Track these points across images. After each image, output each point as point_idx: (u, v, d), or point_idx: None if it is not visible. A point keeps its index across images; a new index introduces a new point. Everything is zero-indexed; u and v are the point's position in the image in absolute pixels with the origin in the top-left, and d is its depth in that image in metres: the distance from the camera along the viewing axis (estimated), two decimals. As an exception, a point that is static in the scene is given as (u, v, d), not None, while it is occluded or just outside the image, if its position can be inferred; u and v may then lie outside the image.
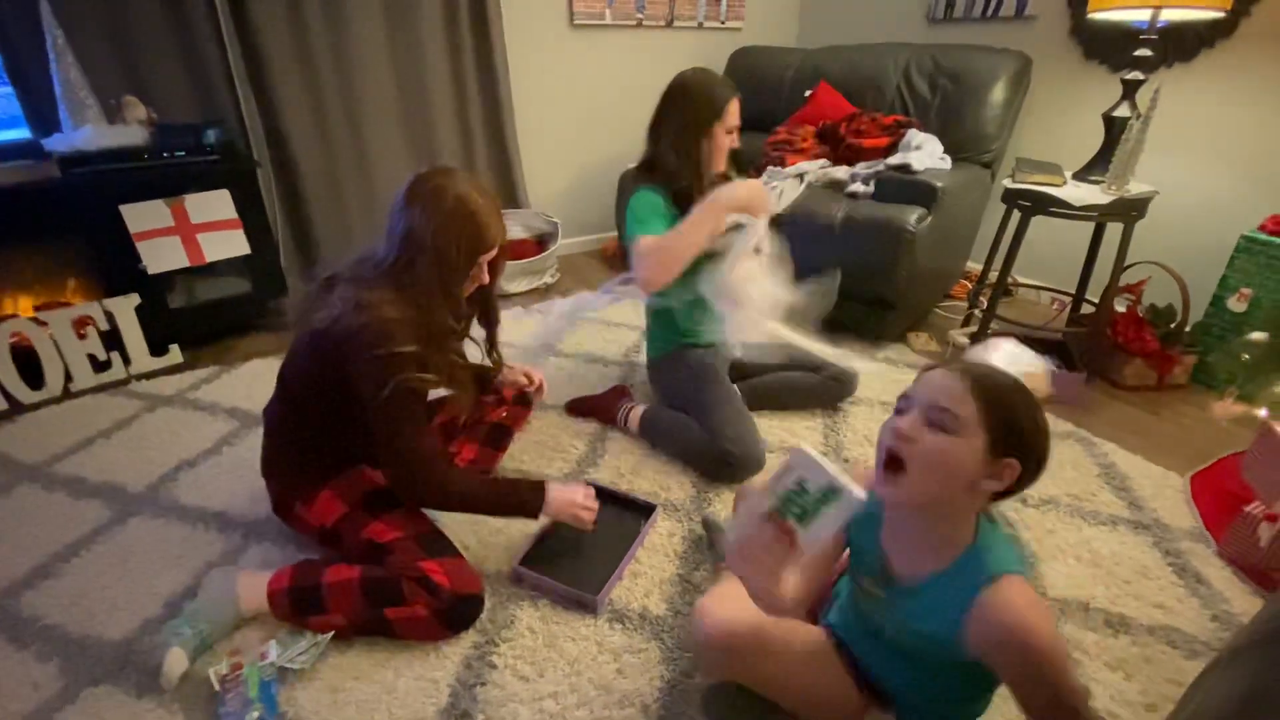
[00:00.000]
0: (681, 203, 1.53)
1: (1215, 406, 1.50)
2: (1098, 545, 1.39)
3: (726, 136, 1.52)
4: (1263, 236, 1.86)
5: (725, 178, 1.60)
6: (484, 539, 1.39)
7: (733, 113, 1.50)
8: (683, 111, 1.51)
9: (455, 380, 1.24)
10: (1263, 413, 1.40)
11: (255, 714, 1.02)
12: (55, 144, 1.97)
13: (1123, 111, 1.86)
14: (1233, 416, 1.46)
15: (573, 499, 1.26)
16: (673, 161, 1.53)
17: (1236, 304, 1.92)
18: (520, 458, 1.68)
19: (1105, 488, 1.58)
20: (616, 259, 3.15)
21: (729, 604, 0.88)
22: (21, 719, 1.05)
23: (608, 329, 2.42)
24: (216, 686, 1.06)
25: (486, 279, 1.23)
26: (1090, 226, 2.05)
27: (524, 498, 1.24)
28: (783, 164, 2.43)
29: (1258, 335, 1.47)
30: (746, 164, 2.57)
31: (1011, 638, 0.69)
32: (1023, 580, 0.74)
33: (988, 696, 0.88)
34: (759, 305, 1.40)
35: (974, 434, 0.72)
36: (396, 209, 1.13)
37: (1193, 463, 1.66)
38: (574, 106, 3.06)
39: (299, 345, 1.22)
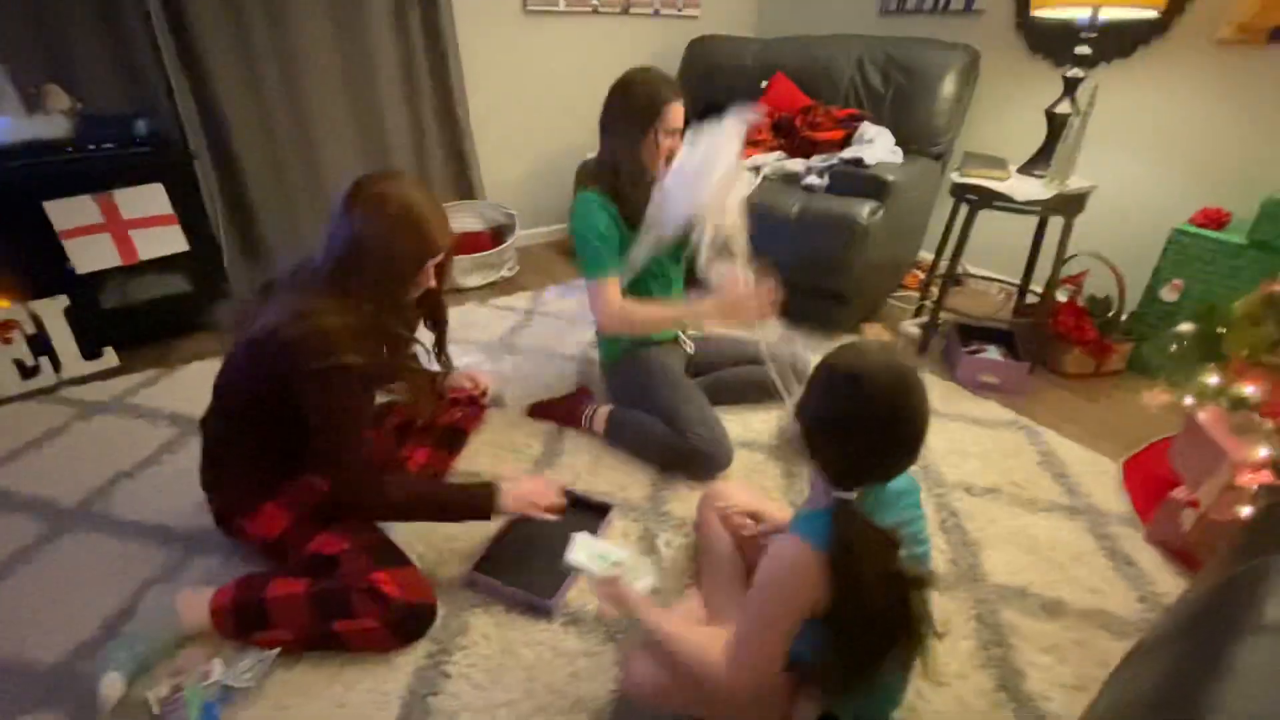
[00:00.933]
0: (626, 207, 1.54)
1: (1145, 395, 1.57)
2: (1035, 532, 1.45)
3: (667, 139, 1.50)
4: (1193, 229, 1.95)
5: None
6: (436, 545, 1.37)
7: (673, 116, 1.49)
8: (623, 112, 1.50)
9: (412, 386, 1.22)
10: (1188, 401, 1.46)
11: (197, 737, 0.99)
12: (-32, 136, 1.84)
13: (1064, 108, 1.91)
14: (1163, 405, 1.53)
15: (530, 493, 1.24)
16: (616, 161, 1.53)
17: (1169, 294, 2.01)
18: (475, 459, 1.66)
19: (1045, 475, 1.64)
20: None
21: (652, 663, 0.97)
22: (-56, 753, 1.00)
23: (566, 325, 2.40)
24: (155, 710, 1.03)
25: (433, 283, 1.20)
26: (1034, 219, 2.11)
27: (473, 500, 1.22)
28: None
29: (1186, 326, 1.53)
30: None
31: (766, 563, 0.84)
32: (797, 540, 0.82)
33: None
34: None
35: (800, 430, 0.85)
36: (336, 214, 1.10)
37: (1127, 448, 1.74)
38: (529, 94, 3.00)
39: (236, 355, 1.18)
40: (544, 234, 3.31)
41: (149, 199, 2.04)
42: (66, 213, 1.91)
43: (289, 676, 1.10)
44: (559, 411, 1.82)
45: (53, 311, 1.93)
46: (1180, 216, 2.02)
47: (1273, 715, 0.53)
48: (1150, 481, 1.58)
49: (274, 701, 1.07)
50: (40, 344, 1.93)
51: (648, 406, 1.67)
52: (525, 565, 1.31)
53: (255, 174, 2.42)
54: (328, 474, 1.15)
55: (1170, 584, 1.31)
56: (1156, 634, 0.83)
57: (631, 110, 1.49)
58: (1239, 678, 0.57)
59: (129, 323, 2.16)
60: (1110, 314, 2.09)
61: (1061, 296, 2.18)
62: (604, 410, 1.74)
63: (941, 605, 1.26)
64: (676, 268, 1.77)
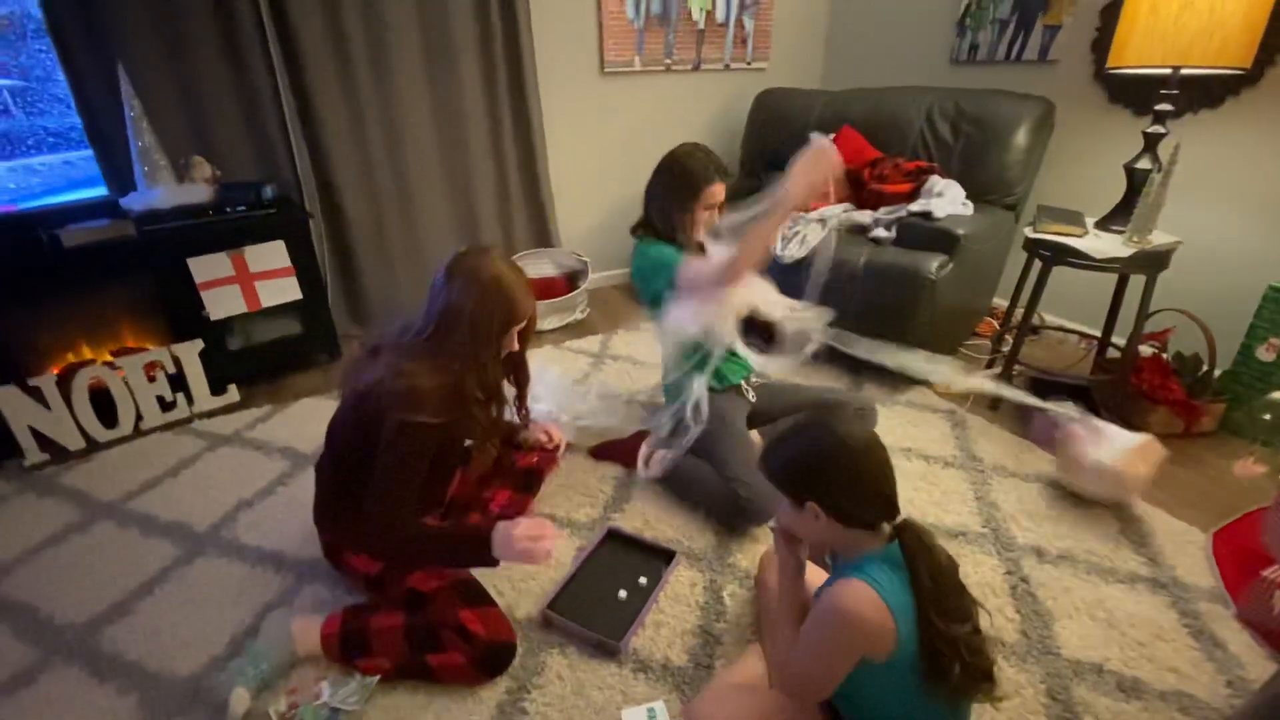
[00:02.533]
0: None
1: (1236, 467, 1.51)
2: (1113, 604, 1.41)
3: (705, 213, 1.62)
4: (1291, 287, 1.86)
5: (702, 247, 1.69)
6: (516, 584, 1.47)
7: (713, 194, 1.59)
8: (667, 186, 1.63)
9: (482, 441, 1.36)
10: (1282, 475, 1.40)
11: (311, 752, 1.12)
12: (132, 203, 2.16)
13: (1144, 164, 1.88)
14: (1254, 477, 1.46)
15: (511, 538, 1.17)
16: (660, 227, 1.66)
17: (1265, 354, 1.92)
18: (550, 501, 1.77)
19: (1125, 543, 1.59)
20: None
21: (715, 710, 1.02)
22: (107, 749, 1.17)
23: (633, 367, 2.51)
24: (276, 724, 1.17)
25: (516, 346, 1.33)
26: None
27: (470, 545, 1.21)
28: (806, 209, 2.49)
29: (1278, 395, 1.47)
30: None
31: (829, 602, 0.89)
32: (859, 582, 0.88)
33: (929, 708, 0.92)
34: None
35: (782, 499, 0.98)
36: (437, 285, 1.25)
37: (1217, 516, 1.66)
38: (604, 149, 3.18)
39: (345, 404, 1.34)
40: (613, 276, 3.46)
41: (272, 254, 2.31)
42: (205, 267, 2.19)
43: (387, 703, 1.22)
44: (621, 452, 1.91)
45: (189, 353, 2.20)
46: (1277, 273, 1.93)
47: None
48: (1242, 555, 1.51)
49: (374, 724, 1.19)
50: (177, 381, 2.20)
51: (704, 453, 1.74)
52: (596, 605, 1.39)
53: (359, 228, 2.69)
54: (372, 506, 1.22)
55: (1261, 669, 1.25)
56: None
57: (675, 186, 1.61)
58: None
59: (249, 362, 2.42)
60: (1200, 373, 2.00)
61: (1145, 352, 2.11)
62: (660, 454, 1.82)
63: (1011, 676, 1.25)
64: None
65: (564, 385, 2.20)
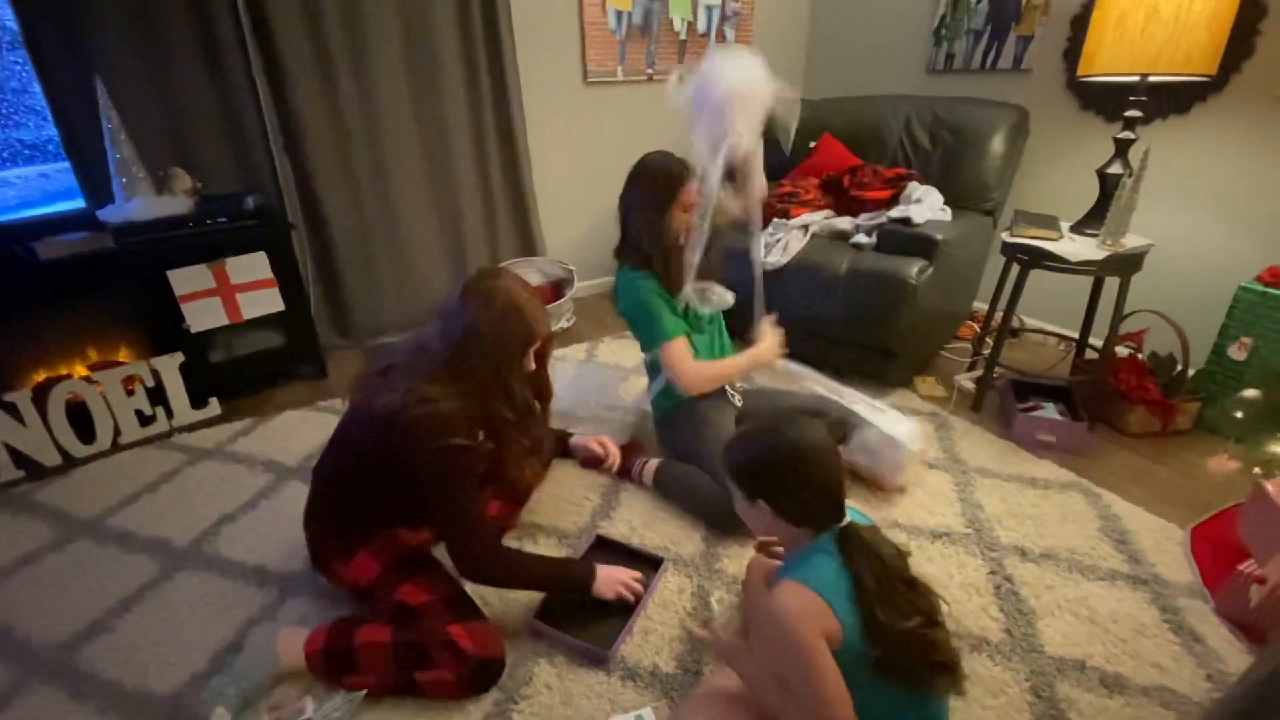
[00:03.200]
0: (664, 279, 1.68)
1: (1211, 463, 1.54)
2: (1095, 602, 1.43)
3: (684, 214, 1.64)
4: (1260, 287, 1.90)
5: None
6: (504, 596, 1.46)
7: (689, 192, 1.61)
8: (642, 194, 1.65)
9: (518, 460, 1.38)
10: (1256, 472, 1.43)
11: (295, 770, 1.10)
12: (110, 215, 2.13)
13: (1115, 169, 1.93)
14: (1229, 473, 1.49)
15: (620, 577, 1.38)
16: (641, 240, 1.66)
17: (1237, 352, 1.96)
18: (539, 510, 1.76)
19: (1105, 540, 1.62)
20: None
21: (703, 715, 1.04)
22: (84, 772, 1.14)
23: (620, 377, 2.51)
24: (259, 742, 1.15)
25: (534, 366, 1.33)
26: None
27: (577, 577, 1.36)
28: (788, 216, 2.52)
29: (1250, 393, 1.50)
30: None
31: (770, 621, 0.90)
32: (785, 583, 0.92)
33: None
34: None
35: (735, 491, 1.04)
36: (451, 308, 1.24)
37: (1195, 512, 1.69)
38: (588, 158, 3.20)
39: (358, 420, 1.32)
40: (598, 285, 3.46)
41: (254, 266, 2.29)
42: (185, 280, 2.17)
43: (372, 717, 1.21)
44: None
45: (169, 366, 2.17)
46: (1246, 274, 1.98)
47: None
48: (1220, 550, 1.53)
49: (360, 740, 1.17)
50: (157, 394, 2.17)
51: (696, 460, 1.74)
52: (584, 614, 1.38)
53: (343, 239, 2.67)
54: (451, 545, 1.26)
55: (1240, 662, 1.28)
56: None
57: (650, 191, 1.63)
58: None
59: (231, 374, 2.39)
60: (1175, 372, 2.04)
61: (1122, 353, 2.15)
62: (653, 463, 1.83)
63: (995, 674, 1.26)
64: (721, 339, 1.88)
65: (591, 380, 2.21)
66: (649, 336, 1.71)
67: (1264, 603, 1.26)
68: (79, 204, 2.26)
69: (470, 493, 1.24)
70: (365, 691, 1.22)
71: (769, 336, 1.78)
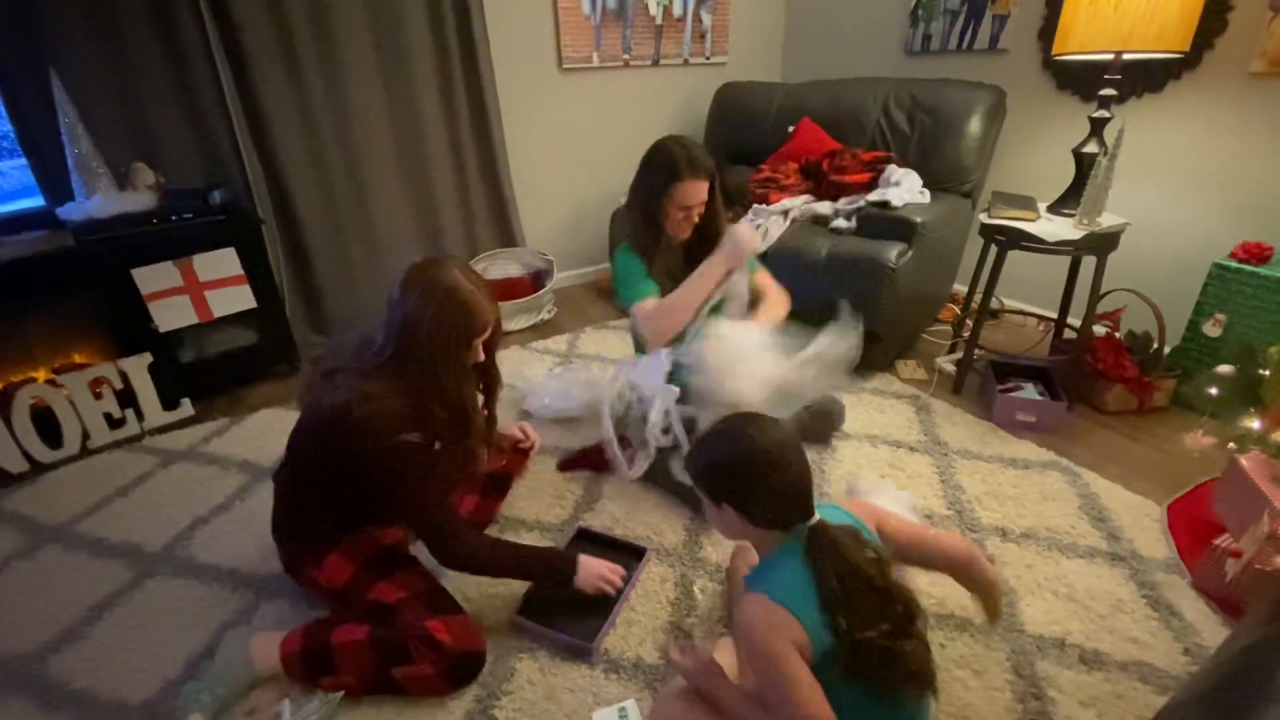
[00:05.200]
0: (647, 261, 1.64)
1: (1187, 439, 1.55)
2: (1074, 579, 1.44)
3: (678, 212, 1.58)
4: (1233, 264, 1.92)
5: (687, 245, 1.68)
6: (484, 590, 1.45)
7: (683, 194, 1.55)
8: (643, 179, 1.61)
9: (463, 458, 1.34)
10: (1230, 446, 1.44)
11: (272, 775, 1.08)
12: (69, 213, 2.07)
13: (1091, 148, 1.93)
14: (1204, 449, 1.51)
15: (600, 570, 1.36)
16: (635, 218, 1.63)
17: (1212, 329, 1.98)
18: (519, 503, 1.74)
19: (1084, 519, 1.63)
20: (609, 293, 3.22)
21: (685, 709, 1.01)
22: (54, 785, 1.11)
23: (602, 368, 2.49)
24: (235, 748, 1.12)
25: (482, 357, 1.30)
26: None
27: (556, 566, 1.35)
28: (768, 202, 2.50)
29: (1225, 369, 1.52)
30: (733, 200, 2.66)
31: (741, 636, 0.90)
32: (752, 597, 0.91)
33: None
34: (745, 380, 1.44)
35: (702, 496, 1.01)
36: (393, 300, 1.20)
37: (1172, 489, 1.71)
38: (566, 146, 3.15)
39: (306, 424, 1.29)
40: (579, 275, 3.43)
41: (223, 262, 2.23)
42: (151, 278, 2.11)
43: (352, 717, 1.19)
44: (592, 458, 1.88)
45: (138, 368, 2.11)
46: (1220, 251, 2.00)
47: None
48: (1197, 526, 1.55)
49: (339, 742, 1.15)
50: (126, 397, 2.12)
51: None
52: (567, 608, 1.37)
53: (315, 233, 2.61)
54: (422, 534, 1.25)
55: (1217, 635, 1.29)
56: (1183, 695, 0.84)
57: (649, 179, 1.59)
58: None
59: (202, 374, 2.34)
60: (1151, 350, 2.06)
61: (1099, 332, 2.17)
62: (641, 454, 1.80)
63: (977, 654, 1.27)
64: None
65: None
66: (626, 299, 1.65)
67: (1239, 576, 1.27)
68: (38, 202, 2.19)
69: (429, 484, 1.22)
70: (343, 693, 1.20)
71: (735, 234, 1.54)
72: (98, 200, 2.07)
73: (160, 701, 1.24)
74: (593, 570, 1.35)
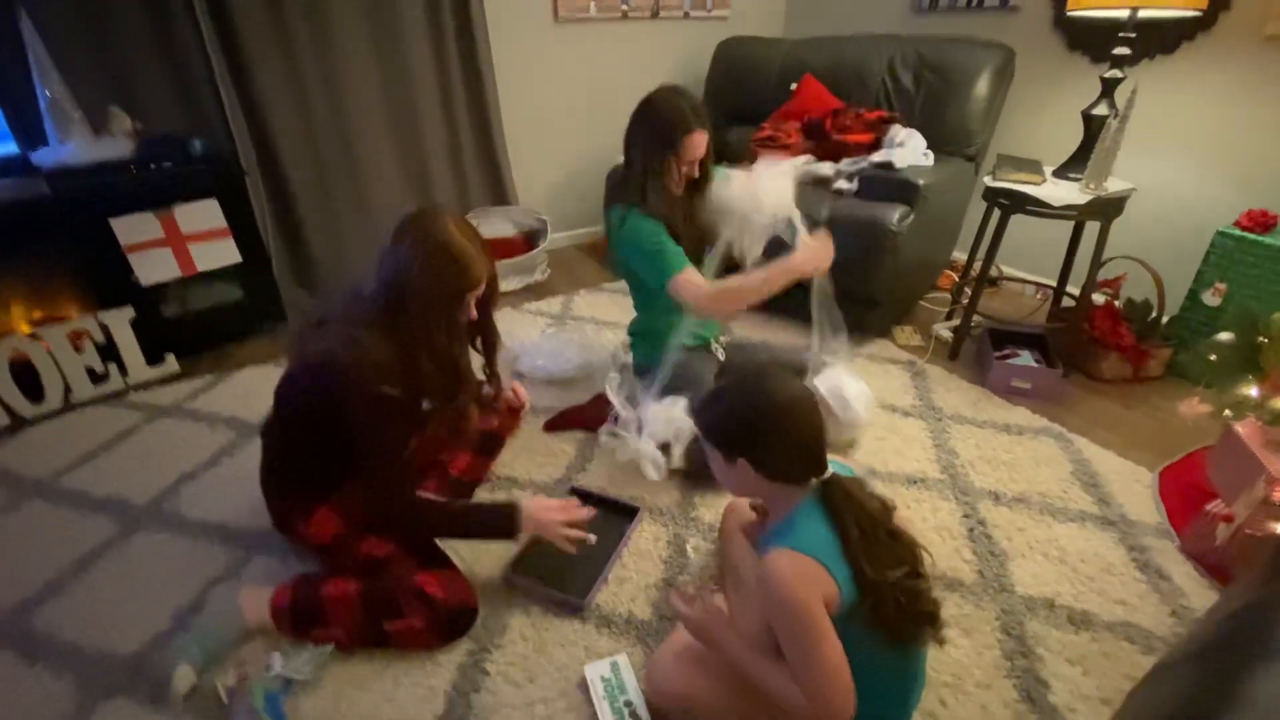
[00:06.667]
0: (669, 226, 1.57)
1: (1182, 407, 1.55)
2: (1065, 542, 1.45)
3: (685, 166, 1.53)
4: (1237, 232, 1.89)
5: (687, 197, 1.63)
6: (476, 546, 1.43)
7: (691, 146, 1.50)
8: (644, 134, 1.53)
9: (446, 418, 1.31)
10: (1226, 413, 1.44)
11: (262, 724, 1.08)
12: (42, 159, 1.98)
13: (1101, 110, 1.88)
14: (1199, 417, 1.50)
15: (549, 513, 1.26)
16: (640, 178, 1.55)
17: (1212, 298, 1.97)
18: (512, 463, 1.73)
19: (1076, 484, 1.63)
20: (604, 255, 3.16)
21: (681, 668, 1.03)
22: (41, 734, 1.11)
23: (596, 329, 2.45)
24: (224, 698, 1.12)
25: (475, 314, 1.26)
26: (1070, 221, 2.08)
27: (496, 521, 1.26)
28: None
29: (1224, 336, 1.50)
30: (735, 159, 2.59)
31: (767, 591, 0.86)
32: (779, 550, 0.87)
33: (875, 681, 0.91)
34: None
35: (713, 452, 0.98)
36: (385, 249, 1.16)
37: (1164, 456, 1.72)
38: (561, 101, 3.05)
39: (294, 373, 1.26)
40: (573, 236, 3.37)
41: (205, 214, 2.16)
42: (131, 229, 2.04)
43: (343, 670, 1.19)
44: (581, 417, 1.86)
45: (119, 321, 2.06)
46: (1225, 219, 1.97)
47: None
48: (1187, 492, 1.56)
49: (330, 692, 1.15)
50: (109, 351, 2.07)
51: None
52: (559, 565, 1.36)
53: (301, 186, 2.53)
54: (367, 489, 1.22)
55: (1203, 598, 1.31)
56: (1177, 654, 0.84)
57: (652, 134, 1.52)
58: (1252, 707, 0.59)
59: (187, 330, 2.29)
60: (1149, 318, 2.05)
61: (1099, 300, 2.15)
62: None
63: (967, 614, 1.28)
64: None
65: None
66: (655, 275, 1.58)
67: (1230, 541, 1.28)
68: (10, 148, 2.10)
69: (393, 439, 1.19)
70: (334, 645, 1.19)
71: (811, 246, 1.53)
72: (72, 146, 1.99)
73: (148, 654, 1.23)
74: (542, 515, 1.25)
